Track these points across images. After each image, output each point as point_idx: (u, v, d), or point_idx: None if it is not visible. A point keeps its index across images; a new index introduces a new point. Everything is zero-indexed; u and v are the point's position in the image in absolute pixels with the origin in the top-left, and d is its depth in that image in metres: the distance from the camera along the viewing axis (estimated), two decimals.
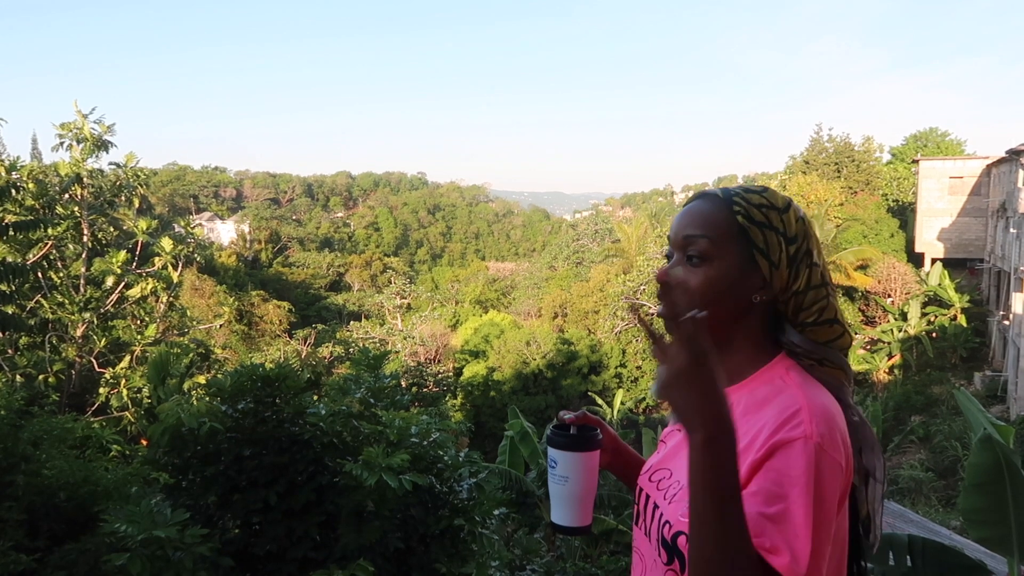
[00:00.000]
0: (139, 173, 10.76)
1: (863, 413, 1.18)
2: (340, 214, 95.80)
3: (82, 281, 10.00)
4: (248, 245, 64.00)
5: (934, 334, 27.19)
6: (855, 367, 26.03)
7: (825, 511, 1.00)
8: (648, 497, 1.25)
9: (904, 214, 35.33)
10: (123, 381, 9.24)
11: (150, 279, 10.21)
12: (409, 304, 48.29)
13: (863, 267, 29.48)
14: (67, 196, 9.91)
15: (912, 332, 26.97)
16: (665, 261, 1.23)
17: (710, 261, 1.15)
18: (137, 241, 10.43)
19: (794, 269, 1.16)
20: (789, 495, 0.98)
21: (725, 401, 0.94)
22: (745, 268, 1.15)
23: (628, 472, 1.46)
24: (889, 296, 29.69)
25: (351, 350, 25.65)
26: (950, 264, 30.37)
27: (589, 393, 29.30)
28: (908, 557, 3.74)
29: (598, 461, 1.32)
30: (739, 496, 0.93)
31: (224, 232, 70.71)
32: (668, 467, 1.24)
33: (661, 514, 1.17)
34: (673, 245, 1.21)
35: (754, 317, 1.18)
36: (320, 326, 37.02)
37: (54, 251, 9.72)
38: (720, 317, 1.16)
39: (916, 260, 31.79)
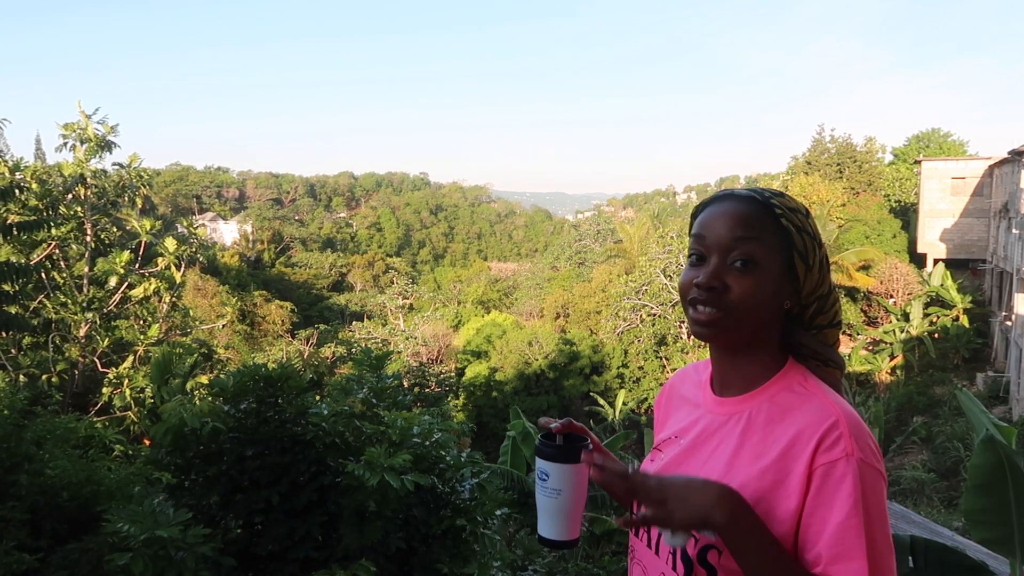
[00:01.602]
0: (142, 173, 10.79)
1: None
2: (342, 214, 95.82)
3: (85, 281, 10.02)
4: (251, 245, 64.09)
5: (936, 335, 27.16)
6: (858, 368, 26.16)
7: (879, 525, 1.03)
8: None
9: (906, 215, 35.29)
10: (126, 381, 9.26)
11: (153, 279, 10.23)
12: (411, 304, 48.35)
13: (865, 268, 29.44)
14: (70, 196, 9.94)
15: (914, 333, 26.94)
16: (682, 260, 1.22)
17: (758, 266, 1.12)
18: (140, 241, 10.45)
19: (822, 272, 1.16)
20: (845, 520, 1.02)
21: (713, 486, 1.02)
22: (784, 273, 1.14)
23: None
24: (891, 297, 29.65)
25: (353, 350, 25.65)
26: (952, 265, 30.32)
27: (591, 394, 29.28)
28: (910, 558, 3.74)
29: (588, 471, 1.26)
30: (783, 549, 1.03)
31: (227, 232, 70.79)
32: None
33: None
34: (712, 248, 1.15)
35: (776, 323, 1.17)
36: (322, 326, 36.99)
37: (57, 251, 9.74)
38: (754, 324, 1.15)
39: (918, 261, 31.75)
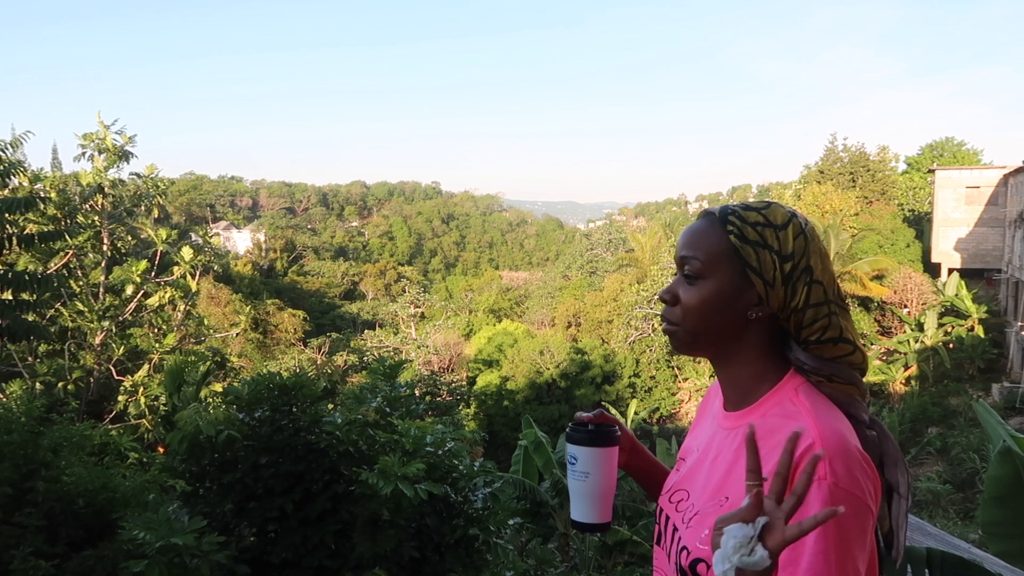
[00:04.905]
0: (158, 183, 10.89)
1: (883, 425, 1.17)
2: (355, 223, 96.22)
3: (101, 289, 10.12)
4: (264, 254, 64.53)
5: (951, 345, 26.91)
6: (871, 378, 25.93)
7: (848, 553, 0.99)
8: (668, 518, 1.25)
9: (920, 224, 35.08)
10: (141, 389, 9.33)
11: (168, 288, 10.32)
12: (423, 313, 48.40)
13: (879, 277, 29.27)
14: (88, 206, 10.05)
15: (929, 343, 26.71)
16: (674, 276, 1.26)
17: (703, 279, 1.17)
18: (156, 250, 10.55)
19: (790, 287, 1.15)
20: (813, 545, 0.98)
21: None
22: (739, 286, 1.16)
23: (645, 473, 1.48)
24: (905, 306, 29.44)
25: (365, 359, 25.75)
26: (967, 274, 30.08)
27: (602, 403, 29.21)
28: (927, 571, 3.71)
29: (617, 457, 1.35)
30: None
31: (240, 241, 71.27)
32: (686, 488, 1.24)
33: (680, 538, 1.17)
34: (677, 265, 1.24)
35: (755, 333, 1.18)
36: (334, 335, 37.09)
37: (74, 259, 9.84)
38: (716, 333, 1.19)
39: (932, 270, 31.52)
